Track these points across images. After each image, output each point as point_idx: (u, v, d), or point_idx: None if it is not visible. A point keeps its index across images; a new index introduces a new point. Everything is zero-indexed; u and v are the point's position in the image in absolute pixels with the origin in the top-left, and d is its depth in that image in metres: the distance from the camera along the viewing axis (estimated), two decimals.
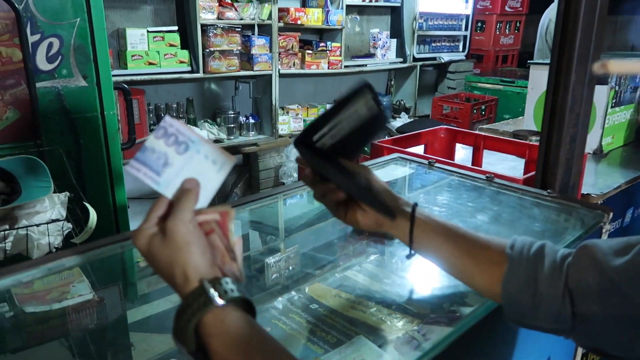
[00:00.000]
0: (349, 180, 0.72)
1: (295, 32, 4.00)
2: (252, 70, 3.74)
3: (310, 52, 4.08)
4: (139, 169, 0.57)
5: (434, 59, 5.26)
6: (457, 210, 1.25)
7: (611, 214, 1.11)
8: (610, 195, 1.73)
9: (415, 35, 4.96)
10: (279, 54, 3.88)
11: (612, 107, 2.12)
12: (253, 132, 3.96)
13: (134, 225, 1.93)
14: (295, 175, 3.79)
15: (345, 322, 0.84)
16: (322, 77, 4.47)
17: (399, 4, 4.82)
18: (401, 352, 0.76)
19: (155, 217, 0.56)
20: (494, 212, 1.22)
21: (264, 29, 3.80)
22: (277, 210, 1.37)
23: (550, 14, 3.65)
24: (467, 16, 5.47)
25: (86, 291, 0.92)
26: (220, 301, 0.51)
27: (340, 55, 4.26)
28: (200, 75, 3.47)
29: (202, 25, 3.40)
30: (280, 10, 3.81)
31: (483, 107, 4.28)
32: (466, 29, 5.53)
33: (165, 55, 3.31)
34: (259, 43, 3.72)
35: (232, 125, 3.84)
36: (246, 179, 4.07)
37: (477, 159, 2.02)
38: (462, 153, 2.20)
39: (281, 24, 3.84)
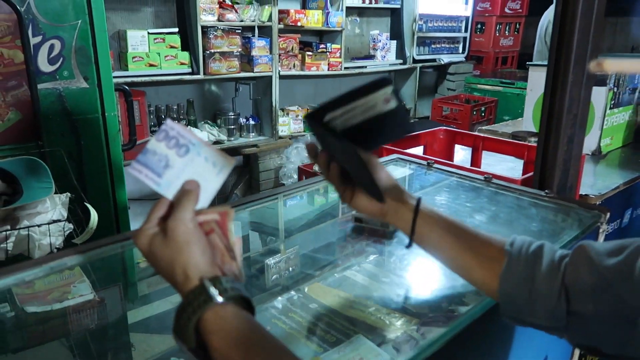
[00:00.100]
0: (349, 156, 0.71)
1: (296, 34, 4.01)
2: (252, 72, 3.75)
3: (310, 53, 4.09)
4: (141, 171, 0.58)
5: (434, 60, 5.27)
6: (456, 210, 1.26)
7: (608, 214, 1.11)
8: (608, 196, 1.73)
9: (415, 36, 4.97)
10: (279, 55, 3.89)
11: (610, 108, 2.12)
12: (253, 134, 3.97)
13: (134, 226, 1.94)
14: (295, 176, 3.79)
15: (345, 322, 0.85)
16: (322, 79, 4.48)
17: (398, 6, 4.83)
18: (400, 351, 0.77)
19: (156, 217, 0.57)
20: (491, 212, 1.23)
21: (264, 31, 3.81)
22: (277, 211, 1.38)
23: (549, 16, 3.67)
24: (467, 18, 5.48)
25: (87, 291, 0.93)
26: (220, 299, 0.52)
27: (340, 56, 4.27)
28: (200, 76, 3.48)
29: (203, 27, 3.41)
30: (280, 12, 3.82)
31: (483, 108, 4.28)
32: (466, 31, 5.54)
33: (165, 56, 3.33)
34: (259, 45, 3.73)
35: (232, 127, 3.85)
36: (246, 180, 4.08)
37: (476, 160, 2.03)
38: (462, 154, 2.21)
39: (281, 26, 3.85)
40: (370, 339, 0.79)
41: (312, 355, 0.77)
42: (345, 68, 4.37)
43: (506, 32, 5.83)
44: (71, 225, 1.30)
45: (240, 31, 3.64)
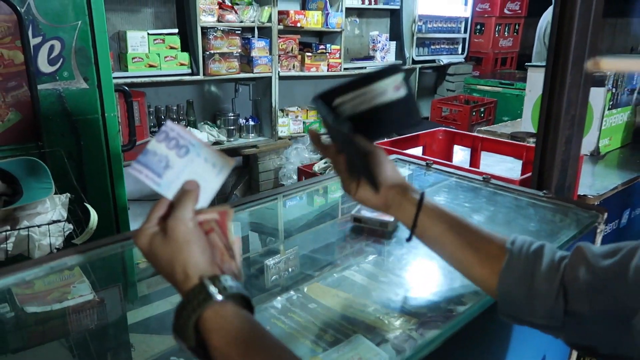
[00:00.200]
0: (347, 141, 0.70)
1: (295, 35, 4.02)
2: (252, 73, 3.75)
3: (309, 54, 4.09)
4: (141, 171, 0.59)
5: (433, 61, 5.28)
6: (454, 210, 1.26)
7: (606, 215, 1.12)
8: (606, 197, 1.74)
9: (415, 37, 4.98)
10: (279, 56, 3.89)
11: (609, 109, 2.13)
12: (253, 134, 3.98)
13: (134, 226, 1.94)
14: (295, 177, 3.80)
15: (343, 321, 0.85)
16: (321, 80, 4.48)
17: (398, 7, 4.84)
18: (398, 350, 0.77)
19: (156, 217, 0.58)
20: (490, 213, 1.23)
21: (264, 32, 3.81)
22: (277, 212, 1.39)
23: (548, 17, 3.67)
24: (466, 19, 5.49)
25: (87, 292, 0.93)
26: (219, 297, 0.52)
27: (339, 57, 4.27)
28: (200, 77, 3.48)
29: (203, 28, 3.42)
30: (280, 12, 3.83)
31: (482, 109, 4.29)
32: (465, 32, 5.55)
33: (165, 57, 3.33)
34: (258, 45, 3.74)
35: (232, 128, 3.85)
36: (246, 180, 4.08)
37: (475, 161, 2.03)
38: (461, 155, 2.22)
39: (281, 27, 3.86)
40: (369, 339, 0.79)
41: (311, 355, 0.77)
42: (345, 69, 4.38)
43: (505, 33, 5.84)
44: (71, 226, 1.30)
45: (239, 32, 3.64)
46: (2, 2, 1.42)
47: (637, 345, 0.53)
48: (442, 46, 5.42)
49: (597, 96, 2.05)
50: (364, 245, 1.15)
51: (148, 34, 3.27)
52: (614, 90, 2.11)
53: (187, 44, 3.46)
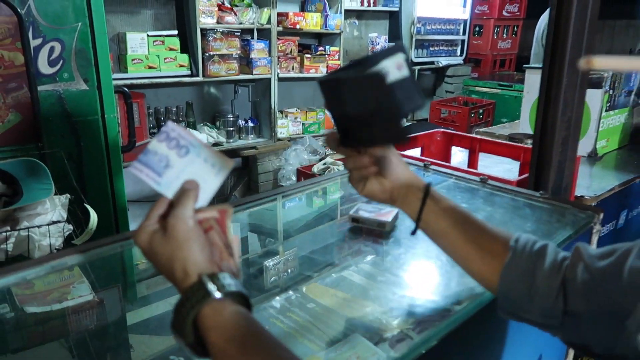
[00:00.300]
0: (371, 91, 0.65)
1: (294, 37, 4.03)
2: (251, 74, 3.76)
3: (309, 56, 4.10)
4: (142, 170, 0.59)
5: (432, 63, 5.29)
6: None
7: (602, 215, 1.13)
8: (604, 198, 1.74)
9: (414, 39, 4.99)
10: (278, 58, 3.90)
11: (606, 110, 2.14)
12: (252, 136, 3.98)
13: (133, 227, 1.95)
14: (294, 178, 3.80)
15: (342, 321, 0.86)
16: None
17: (397, 9, 4.85)
18: (395, 349, 0.77)
19: (156, 215, 0.58)
20: (486, 213, 1.24)
21: (263, 33, 3.82)
22: (276, 213, 1.39)
23: (546, 19, 3.68)
24: (465, 21, 5.50)
25: (86, 292, 0.94)
26: (218, 295, 0.53)
27: (338, 59, 4.28)
28: (199, 79, 3.49)
29: (202, 30, 3.43)
30: (279, 14, 3.84)
31: (481, 110, 4.30)
32: (464, 34, 5.56)
33: (165, 59, 3.34)
34: (258, 47, 3.75)
35: (231, 129, 3.86)
36: (245, 182, 4.09)
37: (473, 162, 2.04)
38: (460, 156, 2.23)
39: (280, 28, 3.87)
40: (367, 338, 0.79)
41: (310, 354, 0.77)
42: None
43: (504, 34, 5.85)
44: (71, 227, 1.31)
45: (239, 34, 3.65)
46: (2, 3, 1.43)
47: (631, 346, 0.54)
48: (441, 48, 5.43)
49: (595, 98, 2.06)
50: (362, 246, 1.16)
51: (148, 35, 3.28)
52: (611, 92, 2.12)
53: (187, 46, 3.47)
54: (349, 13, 4.48)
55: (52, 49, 1.60)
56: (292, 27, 3.91)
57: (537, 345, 1.14)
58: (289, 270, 1.09)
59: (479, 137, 2.12)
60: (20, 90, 1.58)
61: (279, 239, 1.29)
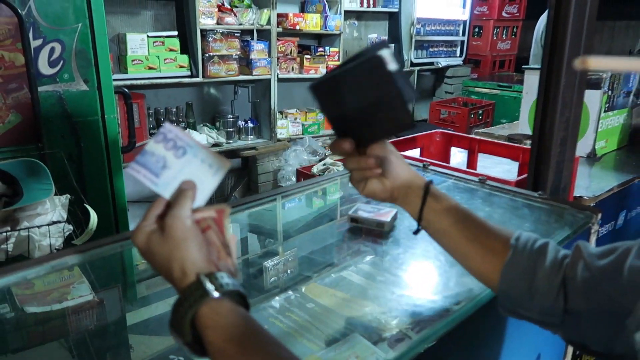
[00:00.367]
0: (373, 78, 0.64)
1: (294, 37, 4.03)
2: (251, 75, 3.77)
3: (308, 57, 4.11)
4: (139, 171, 0.60)
5: (432, 64, 5.30)
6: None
7: (600, 215, 1.13)
8: (602, 198, 1.75)
9: (413, 40, 5.00)
10: (278, 58, 3.91)
11: (605, 111, 2.14)
12: (252, 136, 3.99)
13: (133, 227, 1.95)
14: (294, 178, 3.81)
15: (341, 320, 0.86)
16: None
17: (396, 10, 4.86)
18: (394, 349, 0.78)
19: (153, 215, 0.59)
20: (485, 213, 1.24)
21: (263, 34, 3.83)
22: (275, 213, 1.40)
23: (545, 19, 3.69)
24: (465, 22, 5.51)
25: (86, 292, 0.94)
26: (216, 294, 0.53)
27: (338, 60, 4.28)
28: (199, 79, 3.50)
29: (202, 31, 3.43)
30: (279, 15, 3.85)
31: (480, 111, 4.31)
32: (463, 34, 5.57)
33: (165, 59, 3.34)
34: (257, 48, 3.75)
35: (231, 129, 3.86)
36: (245, 182, 4.09)
37: (472, 162, 2.04)
38: (459, 157, 2.23)
39: (280, 29, 3.87)
40: (366, 338, 0.80)
41: (309, 354, 0.78)
42: None
43: (503, 35, 5.86)
44: (71, 227, 1.31)
45: (239, 34, 3.66)
46: (3, 4, 1.43)
47: (630, 345, 0.54)
48: (441, 49, 5.44)
49: (593, 98, 2.06)
50: (361, 246, 1.16)
51: (148, 36, 3.28)
52: (610, 92, 2.12)
53: (187, 47, 3.47)
54: (348, 14, 4.49)
55: (52, 50, 1.61)
56: (291, 28, 3.92)
57: (536, 345, 1.14)
58: (289, 271, 1.09)
59: (478, 137, 2.12)
60: (20, 91, 1.58)
61: (279, 239, 1.29)
